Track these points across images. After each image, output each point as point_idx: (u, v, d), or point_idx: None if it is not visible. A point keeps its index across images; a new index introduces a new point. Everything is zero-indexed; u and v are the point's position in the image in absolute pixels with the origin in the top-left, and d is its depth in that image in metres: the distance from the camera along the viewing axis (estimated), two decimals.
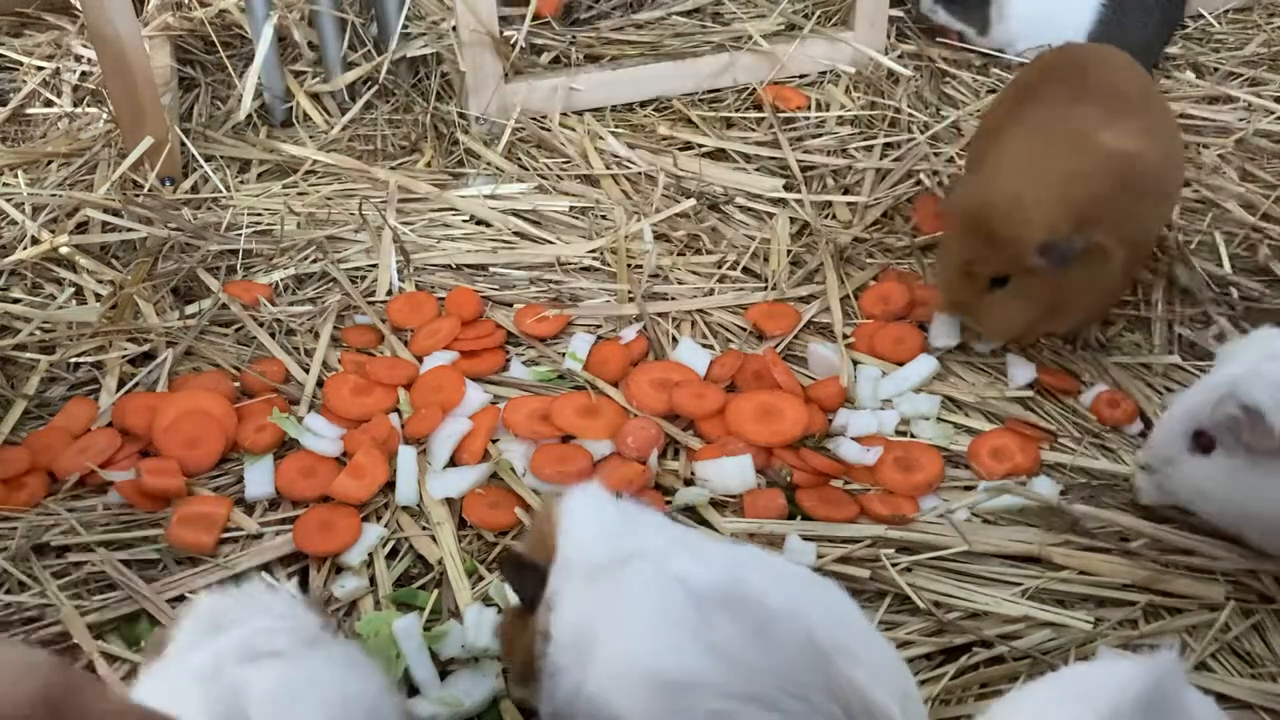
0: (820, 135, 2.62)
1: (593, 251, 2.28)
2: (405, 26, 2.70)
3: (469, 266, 2.26)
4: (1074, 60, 2.14)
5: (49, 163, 2.57)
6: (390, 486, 1.80)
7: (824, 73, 2.81)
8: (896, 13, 2.99)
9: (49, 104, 2.80)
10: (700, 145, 2.59)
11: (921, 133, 2.59)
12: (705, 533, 1.39)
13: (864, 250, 2.28)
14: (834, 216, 2.39)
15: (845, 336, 2.08)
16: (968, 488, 1.82)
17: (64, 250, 2.25)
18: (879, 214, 2.37)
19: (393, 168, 2.54)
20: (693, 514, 1.76)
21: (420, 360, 2.03)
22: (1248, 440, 1.55)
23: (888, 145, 2.59)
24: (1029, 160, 1.89)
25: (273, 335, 2.09)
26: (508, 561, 1.32)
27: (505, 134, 2.58)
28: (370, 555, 1.70)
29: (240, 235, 2.31)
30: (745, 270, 2.25)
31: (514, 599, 1.41)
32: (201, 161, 2.52)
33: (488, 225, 2.37)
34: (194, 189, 2.48)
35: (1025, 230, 1.82)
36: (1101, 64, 2.09)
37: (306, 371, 2.01)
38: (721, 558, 1.26)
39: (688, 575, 1.19)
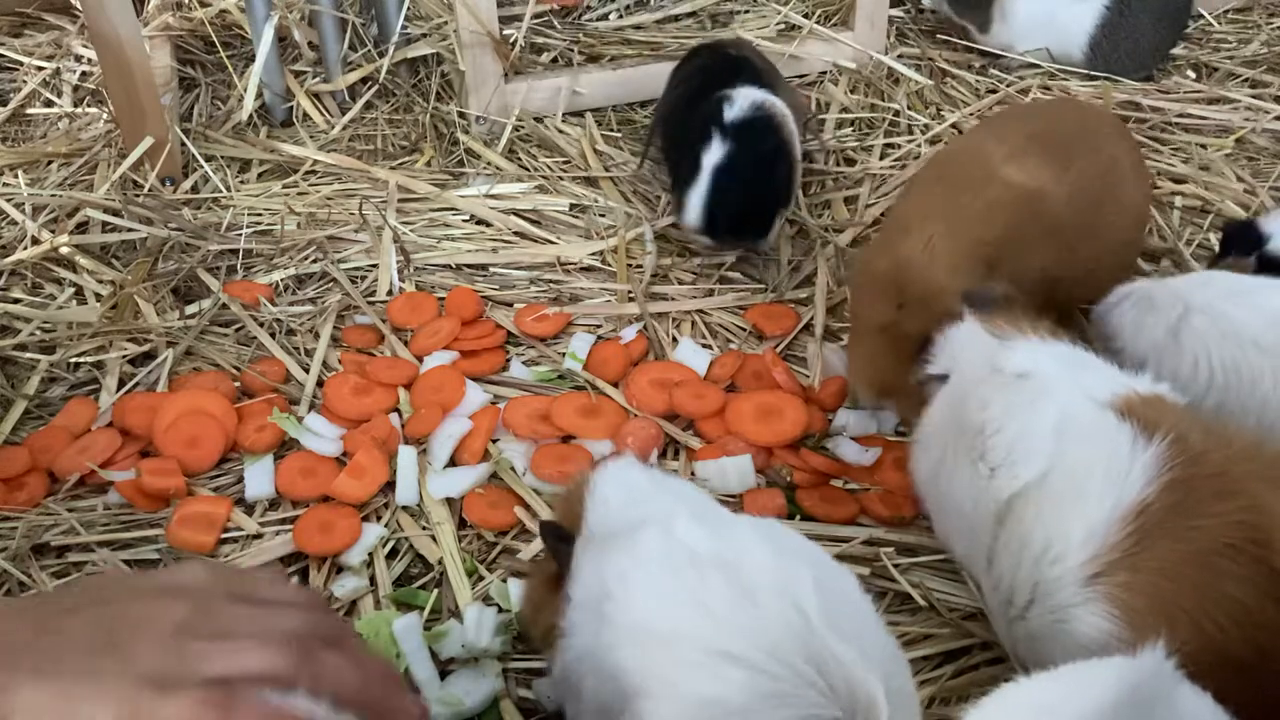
0: (820, 135, 2.62)
1: (593, 252, 2.28)
2: (405, 27, 2.70)
3: (469, 266, 2.26)
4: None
5: (49, 163, 2.57)
6: (390, 486, 1.80)
7: (824, 73, 2.81)
8: (897, 13, 2.99)
9: (49, 104, 2.80)
10: None
11: (922, 133, 2.60)
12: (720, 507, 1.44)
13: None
14: (833, 217, 2.39)
15: (837, 337, 2.09)
16: None
17: (64, 250, 2.25)
18: (878, 214, 2.37)
19: (393, 168, 2.54)
20: None
21: (420, 360, 2.03)
22: (1098, 331, 1.70)
23: (888, 146, 2.59)
24: (934, 206, 1.79)
25: (273, 335, 2.09)
26: (546, 529, 1.36)
27: (505, 134, 2.58)
28: (370, 555, 1.70)
29: (240, 235, 2.31)
30: (745, 271, 2.25)
31: (533, 570, 1.47)
32: (202, 161, 2.52)
33: (488, 225, 2.37)
34: (194, 189, 2.48)
35: (943, 280, 1.70)
36: (1040, 110, 2.06)
37: (306, 371, 2.01)
38: (728, 525, 1.29)
39: (690, 538, 1.23)
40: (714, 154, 2.11)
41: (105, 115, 2.66)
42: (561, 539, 1.34)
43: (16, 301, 2.18)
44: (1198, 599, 1.24)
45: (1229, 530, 1.25)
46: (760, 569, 1.18)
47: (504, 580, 1.65)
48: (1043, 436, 1.38)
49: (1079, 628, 1.29)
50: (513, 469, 1.82)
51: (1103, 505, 1.30)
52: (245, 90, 2.63)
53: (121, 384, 2.00)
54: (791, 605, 1.14)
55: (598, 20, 2.92)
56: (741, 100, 2.16)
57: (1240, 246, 1.89)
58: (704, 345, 2.06)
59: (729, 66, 2.33)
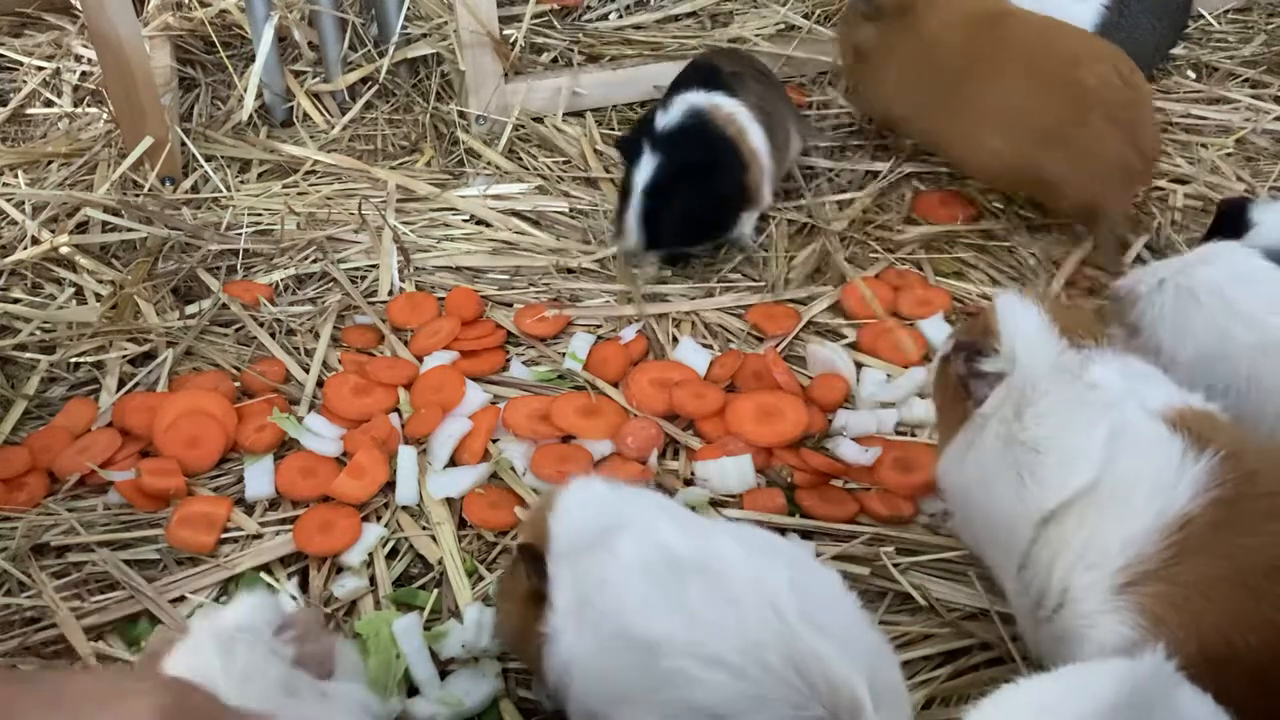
0: (818, 134, 2.62)
1: (591, 254, 2.28)
2: (405, 27, 2.70)
3: (469, 267, 2.26)
4: None
5: (49, 163, 2.57)
6: (390, 486, 1.80)
7: (823, 73, 2.81)
8: None
9: (49, 104, 2.80)
10: None
11: None
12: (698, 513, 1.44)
13: (867, 250, 2.28)
14: (830, 215, 2.38)
15: (843, 336, 2.08)
16: None
17: (64, 250, 2.25)
18: (873, 213, 2.37)
19: (393, 168, 2.54)
20: None
21: (420, 360, 2.03)
22: (1121, 310, 1.69)
23: (879, 148, 2.58)
24: None
25: (273, 335, 2.09)
26: (524, 551, 1.37)
27: (505, 133, 2.58)
28: (370, 555, 1.70)
29: (240, 235, 2.31)
30: (744, 272, 2.25)
31: (507, 594, 1.46)
32: (202, 161, 2.52)
33: (487, 225, 2.37)
34: (194, 189, 2.48)
35: None
36: None
37: (306, 371, 2.01)
38: (704, 528, 1.30)
39: (668, 542, 1.24)
40: (644, 170, 2.13)
41: (105, 115, 2.66)
42: (536, 558, 1.35)
43: (16, 301, 2.18)
44: (1232, 617, 1.22)
45: (1275, 552, 1.23)
46: (736, 571, 1.19)
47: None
48: (1095, 449, 1.34)
49: (1105, 635, 1.27)
50: (513, 469, 1.82)
51: (1144, 516, 1.28)
52: (245, 90, 2.63)
53: (121, 384, 2.00)
54: (769, 606, 1.15)
55: (598, 20, 2.92)
56: (676, 108, 2.18)
57: (1231, 229, 1.90)
58: (704, 345, 2.06)
59: (685, 75, 2.35)
